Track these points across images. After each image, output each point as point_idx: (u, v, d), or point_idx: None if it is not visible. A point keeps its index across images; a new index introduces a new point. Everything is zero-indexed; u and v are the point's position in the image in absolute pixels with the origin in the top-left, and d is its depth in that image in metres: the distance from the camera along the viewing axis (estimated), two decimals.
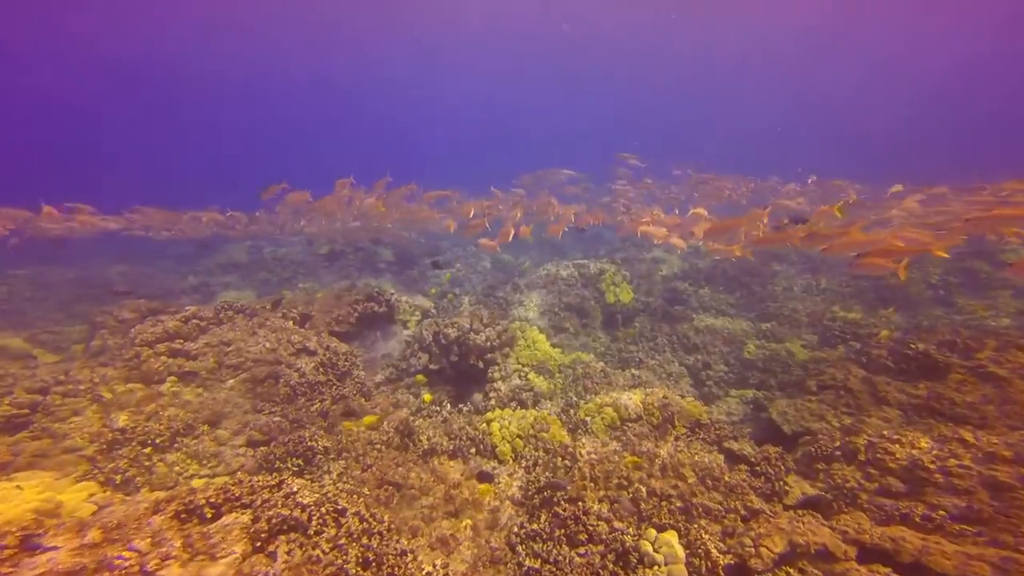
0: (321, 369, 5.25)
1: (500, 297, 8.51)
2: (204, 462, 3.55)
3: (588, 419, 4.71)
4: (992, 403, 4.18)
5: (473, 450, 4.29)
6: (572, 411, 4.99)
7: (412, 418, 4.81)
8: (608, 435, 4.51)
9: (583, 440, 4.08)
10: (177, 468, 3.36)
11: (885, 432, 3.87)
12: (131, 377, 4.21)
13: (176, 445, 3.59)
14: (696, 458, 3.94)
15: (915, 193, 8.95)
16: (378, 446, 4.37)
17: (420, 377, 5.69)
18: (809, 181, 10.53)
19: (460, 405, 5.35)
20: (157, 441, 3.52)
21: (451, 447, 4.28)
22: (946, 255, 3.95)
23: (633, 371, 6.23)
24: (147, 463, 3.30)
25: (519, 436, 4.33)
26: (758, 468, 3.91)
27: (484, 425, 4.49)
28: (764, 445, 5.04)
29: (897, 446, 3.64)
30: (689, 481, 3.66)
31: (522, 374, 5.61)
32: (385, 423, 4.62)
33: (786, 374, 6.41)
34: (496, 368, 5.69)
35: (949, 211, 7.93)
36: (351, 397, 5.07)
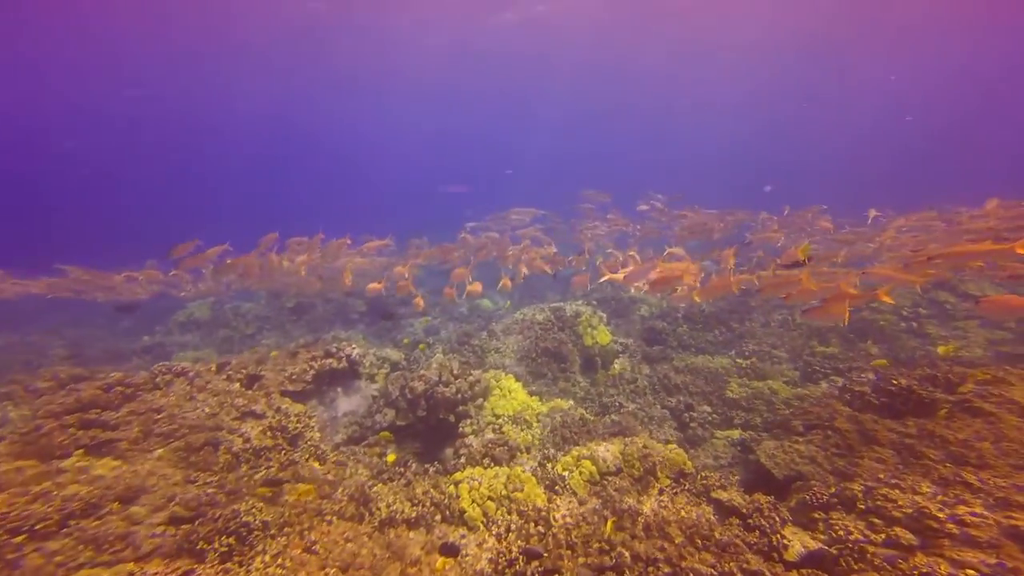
0: (269, 433, 4.72)
1: (476, 344, 8.15)
2: (104, 547, 2.95)
3: (566, 473, 4.28)
4: (987, 440, 3.96)
5: (438, 517, 3.78)
6: (549, 465, 4.55)
7: (372, 482, 4.28)
8: (587, 490, 4.07)
9: (558, 501, 3.62)
10: (59, 558, 2.76)
11: (882, 475, 3.58)
12: (23, 453, 3.63)
13: (66, 530, 2.99)
14: (683, 514, 3.53)
15: (895, 220, 8.72)
16: (328, 517, 3.81)
17: (385, 434, 5.19)
18: (784, 211, 10.44)
19: (427, 464, 4.84)
20: (38, 527, 2.92)
21: (413, 514, 3.75)
22: (890, 300, 3.91)
23: (613, 417, 5.85)
24: (11, 555, 2.69)
25: (491, 498, 3.85)
26: (751, 520, 3.52)
27: (452, 487, 4.00)
28: (755, 492, 4.69)
29: (898, 491, 3.34)
30: (677, 541, 3.23)
31: (496, 427, 5.17)
32: (339, 490, 4.07)
33: (771, 413, 6.14)
34: (468, 422, 5.24)
35: (922, 243, 7.76)
36: (301, 463, 4.52)
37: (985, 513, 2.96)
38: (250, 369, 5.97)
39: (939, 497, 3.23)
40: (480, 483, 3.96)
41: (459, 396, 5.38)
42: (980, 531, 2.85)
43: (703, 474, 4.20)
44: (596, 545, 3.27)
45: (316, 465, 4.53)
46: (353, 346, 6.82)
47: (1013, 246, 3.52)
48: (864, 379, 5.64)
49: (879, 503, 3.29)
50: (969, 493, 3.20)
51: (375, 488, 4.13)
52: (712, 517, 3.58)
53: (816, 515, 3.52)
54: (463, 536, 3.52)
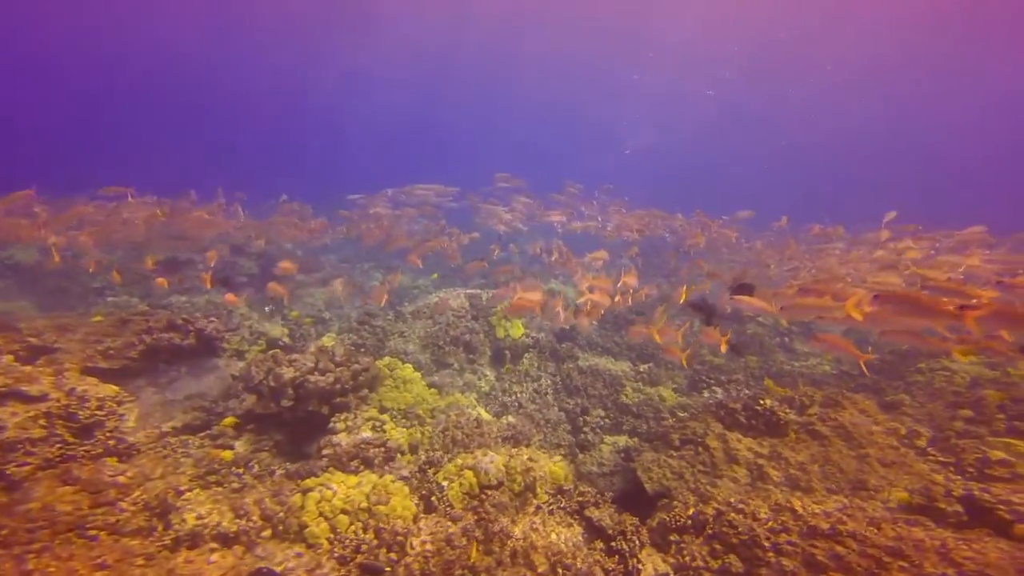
0: (43, 421, 3.85)
1: (378, 326, 7.63)
2: None
3: (445, 483, 4.12)
4: (817, 462, 4.52)
5: (268, 532, 3.36)
6: (431, 472, 4.36)
7: (190, 485, 3.69)
8: (464, 504, 3.96)
9: (423, 523, 3.40)
10: None
11: (732, 500, 3.89)
12: None
13: None
14: (551, 537, 3.56)
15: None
16: (92, 532, 3.12)
17: (228, 421, 4.54)
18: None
19: (281, 464, 4.36)
20: None
21: (233, 529, 3.30)
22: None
23: (510, 419, 5.83)
24: None
25: (346, 511, 3.52)
26: (614, 544, 3.65)
27: (297, 497, 3.57)
28: (629, 503, 4.95)
29: (740, 516, 3.65)
30: (540, 570, 3.23)
31: (378, 424, 4.81)
32: (134, 494, 3.45)
33: (656, 422, 6.57)
34: (344, 416, 4.79)
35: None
36: (81, 460, 3.74)
37: (797, 541, 3.32)
38: (46, 337, 4.89)
39: (769, 524, 3.58)
40: (335, 492, 3.59)
41: (338, 386, 4.91)
42: (790, 560, 3.19)
43: (580, 489, 4.30)
44: (458, 572, 3.16)
45: (112, 462, 3.79)
46: (211, 319, 5.91)
47: (846, 306, 3.57)
48: (739, 395, 6.20)
49: (724, 528, 3.57)
50: (792, 519, 3.58)
51: (191, 494, 3.57)
52: (580, 538, 3.65)
53: (672, 537, 3.75)
54: (296, 556, 3.15)
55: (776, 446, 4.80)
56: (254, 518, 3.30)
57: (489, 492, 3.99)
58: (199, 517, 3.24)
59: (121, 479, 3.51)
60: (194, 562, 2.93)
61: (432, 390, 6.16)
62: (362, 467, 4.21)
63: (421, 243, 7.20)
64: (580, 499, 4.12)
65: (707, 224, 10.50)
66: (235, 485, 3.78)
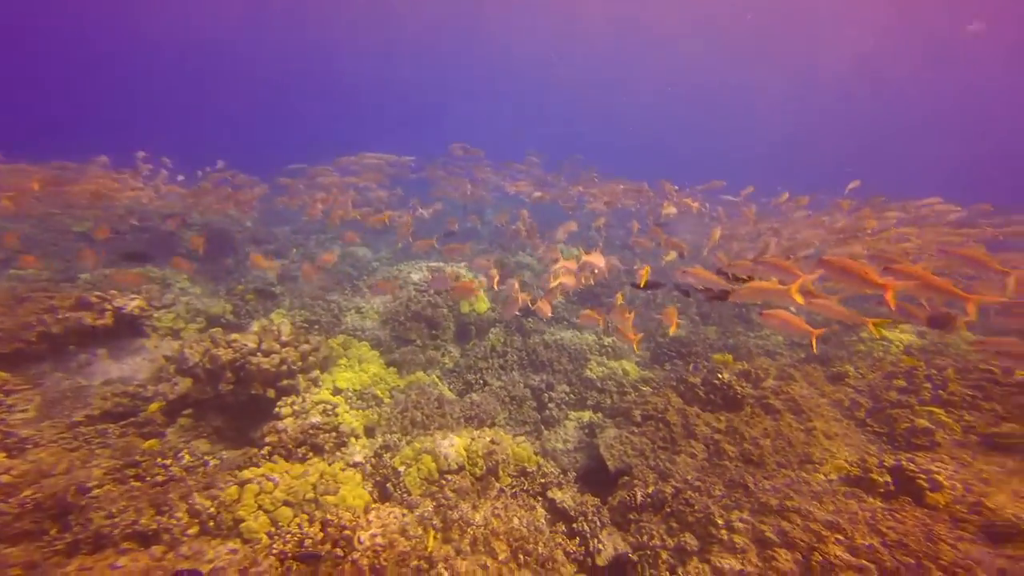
0: None
1: (333, 301, 7.18)
2: None
3: (402, 468, 3.96)
4: (769, 437, 4.70)
5: (195, 529, 3.10)
6: (388, 456, 4.18)
7: (100, 480, 3.33)
8: (423, 490, 3.83)
9: (373, 515, 3.22)
10: None
11: (689, 477, 3.98)
12: None
13: None
14: (513, 522, 3.51)
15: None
16: None
17: (155, 406, 4.14)
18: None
19: (210, 456, 4.02)
20: None
21: (152, 527, 3.00)
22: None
23: (474, 397, 5.71)
24: None
25: (288, 503, 3.30)
26: (575, 525, 3.67)
27: (233, 489, 3.30)
28: (592, 482, 5.01)
29: (696, 495, 3.74)
30: (500, 557, 3.18)
31: (329, 408, 4.54)
32: (25, 492, 3.07)
33: (619, 396, 6.67)
34: (291, 400, 4.47)
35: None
36: None
37: (748, 518, 3.44)
38: None
39: (723, 501, 3.69)
40: (277, 483, 3.35)
41: (284, 368, 4.57)
42: (740, 536, 3.31)
43: (544, 469, 4.27)
44: (414, 563, 3.05)
45: None
46: (132, 296, 5.30)
47: (790, 289, 3.61)
48: (698, 370, 6.36)
49: (681, 507, 3.65)
50: (744, 496, 3.71)
51: (100, 490, 3.21)
52: (543, 521, 3.63)
53: (632, 516, 3.81)
54: (229, 553, 2.91)
55: (732, 420, 4.96)
56: (178, 514, 3.00)
57: (449, 477, 3.88)
58: (109, 516, 2.91)
59: (5, 478, 3.09)
60: (92, 569, 2.62)
61: (391, 369, 5.91)
62: (311, 454, 3.96)
63: (367, 215, 6.69)
64: (543, 480, 4.10)
65: (670, 193, 10.39)
66: (159, 478, 3.43)
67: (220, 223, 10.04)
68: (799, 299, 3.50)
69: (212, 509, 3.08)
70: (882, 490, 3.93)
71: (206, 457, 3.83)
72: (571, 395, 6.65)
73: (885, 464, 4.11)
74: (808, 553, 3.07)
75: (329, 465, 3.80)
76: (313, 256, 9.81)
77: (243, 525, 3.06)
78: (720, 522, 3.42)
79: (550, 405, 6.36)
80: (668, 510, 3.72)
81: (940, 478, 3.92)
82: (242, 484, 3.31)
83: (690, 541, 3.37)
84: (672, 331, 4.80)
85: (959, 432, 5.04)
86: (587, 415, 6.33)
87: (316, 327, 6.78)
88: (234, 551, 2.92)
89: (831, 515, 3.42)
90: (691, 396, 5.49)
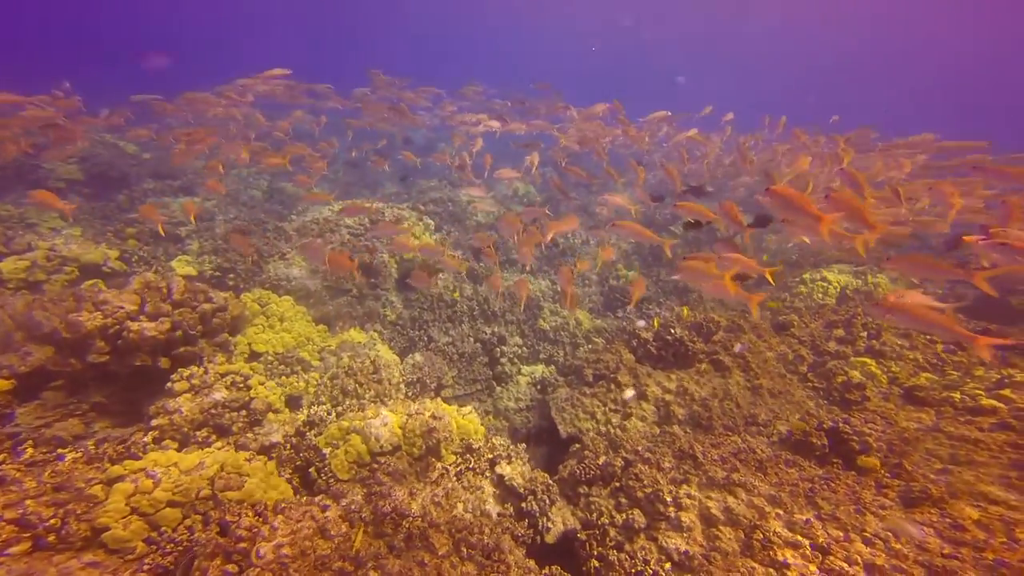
0: None
1: (253, 244, 6.08)
2: None
3: (327, 451, 3.50)
4: (717, 397, 4.69)
5: (25, 545, 2.48)
6: (312, 435, 3.68)
7: None
8: (352, 474, 3.43)
9: (280, 518, 2.72)
10: None
11: (639, 448, 3.86)
12: None
13: None
14: (456, 510, 3.24)
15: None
16: None
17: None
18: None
19: (82, 443, 3.31)
20: None
21: None
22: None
23: (417, 358, 5.22)
24: None
25: (175, 502, 2.75)
26: (524, 505, 3.48)
27: (97, 488, 2.70)
28: (544, 442, 4.87)
29: (646, 468, 3.64)
30: (440, 552, 2.92)
31: (239, 380, 3.85)
32: None
33: (572, 347, 6.48)
34: (188, 373, 3.72)
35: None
36: None
37: (695, 494, 3.40)
38: None
39: (671, 473, 3.62)
40: (158, 480, 2.76)
41: (179, 334, 3.76)
42: (687, 514, 3.27)
43: (492, 442, 3.99)
44: (337, 565, 2.70)
45: None
46: None
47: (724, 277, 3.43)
48: (647, 325, 6.19)
49: (630, 481, 3.54)
50: (693, 468, 3.66)
51: None
52: (489, 504, 3.39)
53: (582, 489, 3.68)
54: (84, 568, 2.38)
55: (683, 380, 4.89)
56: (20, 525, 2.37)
57: (383, 459, 3.47)
58: None
59: None
60: None
61: (320, 327, 5.20)
62: (214, 437, 3.36)
63: (263, 155, 5.43)
64: (491, 455, 3.82)
65: (626, 124, 9.47)
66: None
67: (107, 154, 8.06)
68: (732, 288, 3.28)
69: (54, 519, 2.46)
70: (818, 453, 4.06)
71: (68, 447, 3.09)
72: (524, 348, 6.37)
73: (824, 426, 4.23)
74: (750, 531, 3.07)
75: (236, 450, 3.24)
76: (235, 193, 8.26)
77: (107, 535, 2.49)
78: (668, 499, 3.35)
79: (502, 360, 6.06)
80: (617, 484, 3.61)
81: (870, 440, 4.08)
82: (110, 483, 2.68)
83: (638, 518, 3.28)
84: (635, 299, 4.48)
85: (885, 383, 5.35)
86: (540, 369, 6.13)
87: (231, 276, 5.77)
88: (94, 564, 2.38)
89: (773, 488, 3.44)
90: (643, 352, 5.35)
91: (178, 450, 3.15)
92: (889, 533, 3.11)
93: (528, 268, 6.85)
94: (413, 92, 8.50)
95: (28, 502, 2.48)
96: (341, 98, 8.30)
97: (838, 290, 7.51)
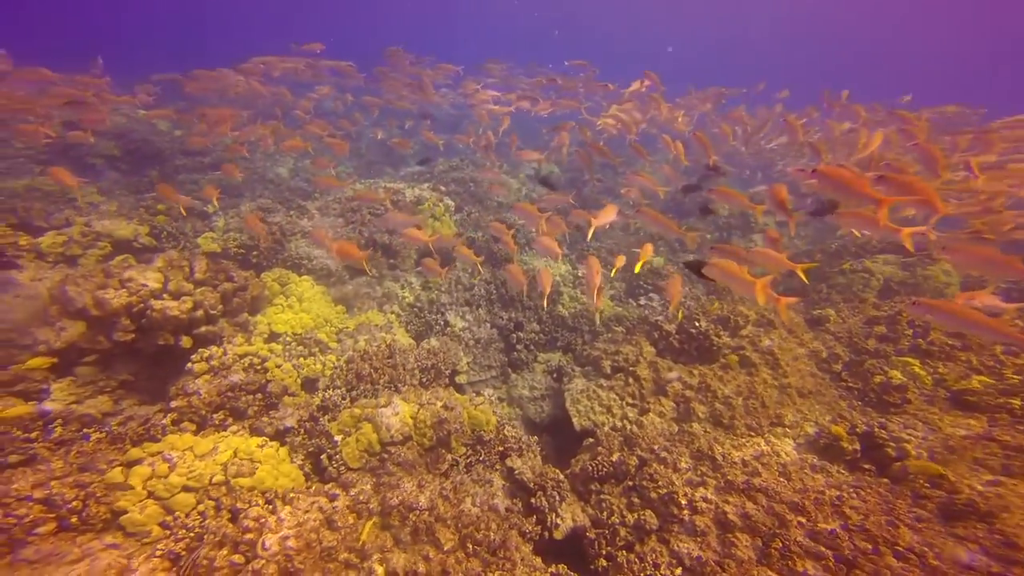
0: None
1: (276, 223, 6.11)
2: None
3: (339, 438, 3.54)
4: (741, 395, 4.47)
5: (50, 526, 2.59)
6: (326, 420, 3.73)
7: None
8: (362, 463, 3.46)
9: (287, 509, 2.75)
10: None
11: (655, 447, 3.73)
12: None
13: None
14: (464, 504, 3.23)
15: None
16: None
17: (38, 361, 3.45)
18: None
19: (108, 422, 3.44)
20: None
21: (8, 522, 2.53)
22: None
23: (433, 343, 5.19)
24: None
25: (189, 487, 2.82)
26: (534, 500, 3.44)
27: (117, 472, 2.81)
28: (557, 432, 4.81)
29: (662, 468, 3.52)
30: (446, 547, 2.92)
31: (257, 362, 3.91)
32: None
33: (591, 335, 6.31)
34: (208, 354, 3.78)
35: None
36: None
37: (712, 498, 3.26)
38: None
39: (687, 474, 3.49)
40: (174, 463, 2.85)
41: (200, 314, 3.84)
42: (702, 518, 3.14)
43: (504, 434, 3.95)
44: (343, 556, 2.75)
45: None
46: None
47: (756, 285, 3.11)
48: (672, 315, 5.92)
49: (644, 482, 3.43)
50: (711, 470, 3.51)
51: None
52: (498, 498, 3.37)
53: (593, 486, 3.61)
54: (106, 549, 2.48)
55: (705, 376, 4.67)
56: (23, 509, 2.49)
57: (393, 449, 3.49)
58: None
59: None
60: None
61: (339, 307, 5.22)
62: (230, 420, 3.45)
63: (279, 135, 5.36)
64: (502, 448, 3.78)
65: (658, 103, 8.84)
66: (13, 459, 2.86)
67: (142, 131, 8.22)
68: (761, 298, 2.98)
69: (76, 501, 2.58)
70: (849, 457, 3.82)
71: (94, 426, 3.23)
72: (541, 335, 6.25)
73: (857, 430, 3.97)
74: (769, 539, 2.92)
75: (251, 435, 3.31)
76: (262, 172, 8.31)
77: (125, 518, 2.61)
78: (683, 501, 3.23)
79: (518, 347, 5.98)
80: (631, 483, 3.51)
81: (908, 447, 3.80)
82: (129, 466, 2.79)
83: (650, 519, 3.19)
84: (637, 268, 4.26)
85: (930, 385, 4.95)
86: (556, 357, 6.01)
87: (254, 255, 5.85)
88: (114, 546, 2.50)
89: (797, 495, 3.25)
90: (665, 345, 5.14)
91: (196, 432, 3.26)
92: (925, 548, 2.90)
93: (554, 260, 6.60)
94: (432, 69, 8.24)
95: (53, 483, 2.61)
96: (362, 76, 8.15)
97: (881, 282, 6.96)
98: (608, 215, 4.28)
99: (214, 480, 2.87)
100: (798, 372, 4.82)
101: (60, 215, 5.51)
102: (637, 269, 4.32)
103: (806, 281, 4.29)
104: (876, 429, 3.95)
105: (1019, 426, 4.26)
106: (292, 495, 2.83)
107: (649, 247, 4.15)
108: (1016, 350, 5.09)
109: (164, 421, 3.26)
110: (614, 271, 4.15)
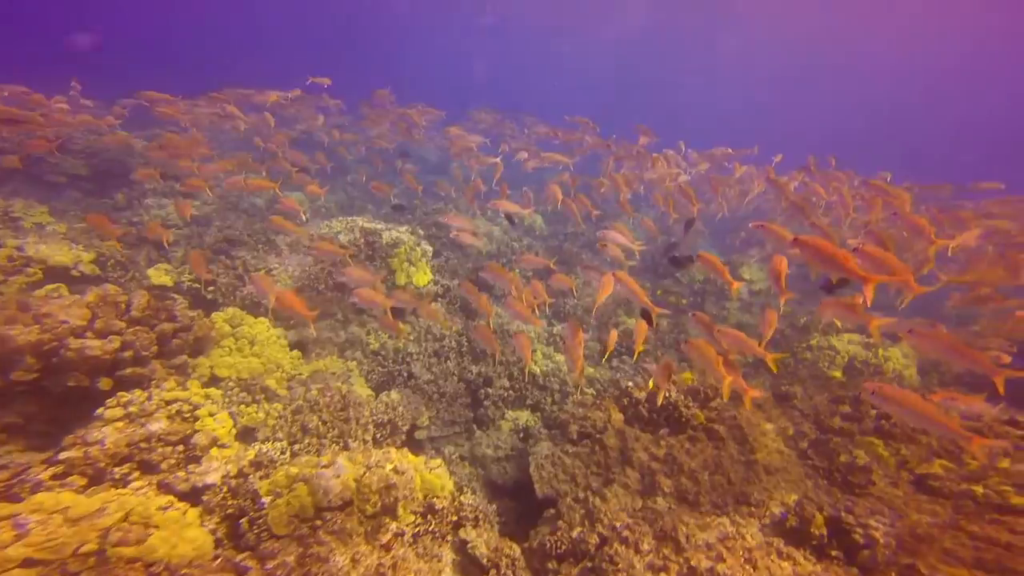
0: None
1: (240, 257, 5.93)
2: None
3: (267, 500, 3.16)
4: (708, 469, 4.31)
5: None
6: (256, 477, 3.35)
7: None
8: (290, 529, 3.07)
9: None
10: None
11: (617, 524, 3.49)
12: None
13: None
14: None
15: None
16: None
17: None
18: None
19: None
20: None
21: None
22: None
23: (393, 396, 4.91)
24: None
25: (32, 561, 2.31)
26: None
27: None
28: (518, 499, 4.49)
29: (623, 548, 3.25)
30: None
31: (186, 410, 3.54)
32: None
33: (561, 395, 6.13)
34: (128, 398, 3.38)
35: None
36: None
37: None
38: None
39: (649, 556, 3.23)
40: (27, 530, 2.24)
41: (128, 355, 3.51)
42: None
43: (460, 500, 3.63)
44: None
45: None
46: None
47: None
48: (642, 382, 5.84)
49: (604, 563, 3.15)
50: (674, 553, 3.27)
51: None
52: (447, 573, 3.01)
53: (551, 565, 3.30)
54: None
55: (673, 448, 4.52)
56: None
57: (329, 515, 3.12)
58: None
59: None
60: None
61: (295, 352, 4.93)
62: (136, 475, 3.04)
63: (241, 169, 5.40)
64: (455, 517, 3.46)
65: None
66: None
67: (115, 151, 8.12)
68: (726, 384, 3.08)
69: None
70: (815, 542, 3.64)
71: None
72: (511, 391, 6.03)
73: (824, 511, 3.82)
74: None
75: (158, 492, 2.91)
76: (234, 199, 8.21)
77: None
78: None
79: (486, 402, 5.72)
80: (589, 564, 3.22)
81: (876, 535, 3.67)
82: None
83: None
84: (604, 359, 4.21)
85: (893, 467, 4.92)
86: (525, 416, 5.77)
87: (210, 289, 5.58)
88: None
89: None
90: (634, 414, 5.00)
91: (85, 488, 2.83)
92: None
93: (530, 330, 6.49)
94: (415, 110, 8.62)
95: None
96: (346, 117, 8.46)
97: (845, 360, 7.15)
98: (607, 289, 4.07)
99: (80, 551, 2.41)
100: (765, 448, 4.72)
101: None
102: (604, 359, 4.29)
103: (775, 371, 4.31)
104: (843, 514, 3.82)
105: (985, 515, 4.21)
106: (186, 570, 2.43)
107: (614, 334, 4.18)
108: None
109: (42, 476, 2.81)
110: (606, 355, 4.14)
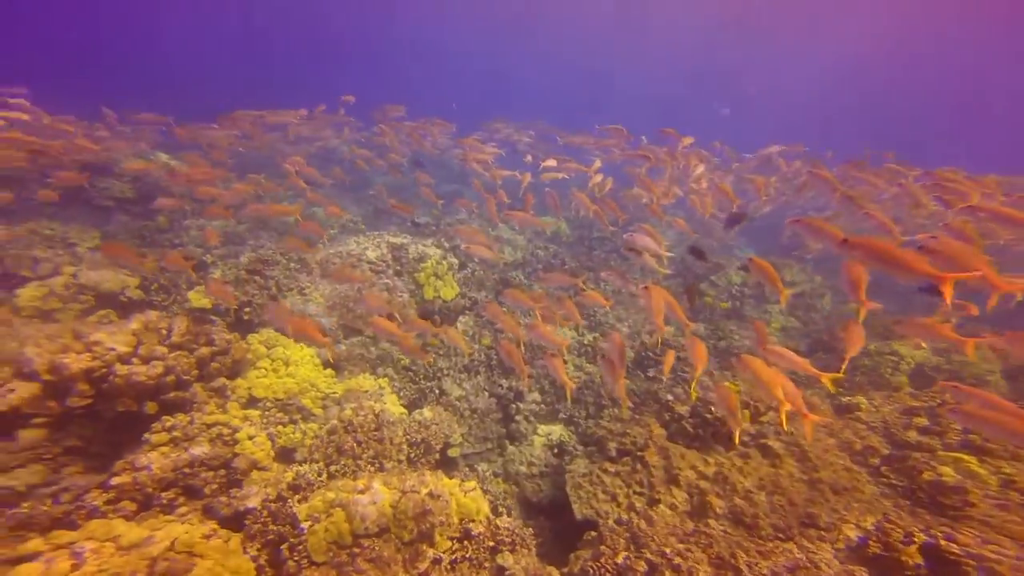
0: None
1: (273, 277, 6.06)
2: None
3: (306, 524, 3.10)
4: (765, 490, 3.95)
5: None
6: (294, 501, 3.30)
7: None
8: (329, 556, 2.99)
9: None
10: None
11: (667, 550, 3.21)
12: None
13: None
14: None
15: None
16: None
17: None
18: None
19: (28, 498, 3.04)
20: None
21: None
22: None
23: (425, 413, 4.83)
24: None
25: None
26: None
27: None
28: (558, 521, 4.29)
29: None
30: None
31: (226, 433, 3.57)
32: None
33: (596, 408, 5.87)
34: (171, 423, 3.43)
35: None
36: None
37: None
38: None
39: None
40: (83, 560, 2.28)
41: (170, 379, 3.58)
42: None
43: (496, 523, 3.46)
44: None
45: None
46: None
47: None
48: (685, 394, 5.51)
49: None
50: None
51: None
52: None
53: None
54: None
55: (723, 465, 4.19)
56: None
57: (366, 542, 3.03)
58: None
59: None
60: None
61: (328, 371, 4.94)
62: (181, 499, 3.05)
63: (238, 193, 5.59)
64: (492, 542, 3.29)
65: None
66: None
67: (157, 174, 8.62)
68: (783, 410, 2.71)
69: None
70: (910, 573, 3.22)
71: (13, 501, 2.84)
72: (542, 405, 5.84)
73: (915, 538, 3.38)
74: None
75: (203, 517, 2.91)
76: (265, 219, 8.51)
77: None
78: None
79: (517, 418, 5.55)
80: None
81: (1002, 569, 3.17)
82: (15, 563, 2.35)
83: None
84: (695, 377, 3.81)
85: (996, 487, 4.30)
86: (558, 430, 5.55)
87: (247, 309, 5.72)
88: None
89: None
90: (676, 429, 4.69)
91: (136, 513, 2.87)
92: None
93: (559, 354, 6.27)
94: (425, 123, 8.73)
95: None
96: (362, 133, 8.67)
97: (911, 366, 6.51)
98: (659, 314, 3.72)
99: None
100: (830, 465, 4.30)
101: (49, 264, 5.49)
102: (665, 373, 4.03)
103: (832, 390, 3.95)
104: (942, 541, 3.36)
105: None
106: None
107: (672, 354, 3.97)
108: None
109: (96, 502, 2.87)
110: (666, 370, 3.88)
